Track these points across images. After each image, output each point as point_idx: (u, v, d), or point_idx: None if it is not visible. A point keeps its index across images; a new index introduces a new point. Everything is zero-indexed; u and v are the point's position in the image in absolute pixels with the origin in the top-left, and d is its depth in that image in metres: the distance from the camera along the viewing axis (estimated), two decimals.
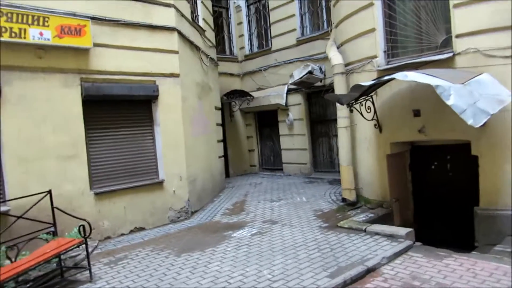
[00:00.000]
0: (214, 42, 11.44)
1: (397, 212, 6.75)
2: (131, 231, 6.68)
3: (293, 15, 11.79)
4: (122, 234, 6.56)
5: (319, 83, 10.64)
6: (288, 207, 7.62)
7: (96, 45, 6.36)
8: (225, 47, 14.05)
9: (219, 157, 10.51)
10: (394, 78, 5.53)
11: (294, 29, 11.78)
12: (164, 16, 7.34)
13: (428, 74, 5.18)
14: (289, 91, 11.76)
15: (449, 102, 4.69)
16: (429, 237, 6.41)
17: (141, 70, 6.97)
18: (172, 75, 7.40)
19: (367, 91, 6.43)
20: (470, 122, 4.60)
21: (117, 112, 6.82)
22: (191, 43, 8.60)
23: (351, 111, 6.63)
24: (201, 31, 9.78)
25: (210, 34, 10.90)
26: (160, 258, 5.21)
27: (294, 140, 11.93)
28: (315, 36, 11.22)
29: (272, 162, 13.20)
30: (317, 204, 7.68)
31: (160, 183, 7.13)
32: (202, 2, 10.15)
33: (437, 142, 6.56)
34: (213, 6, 12.89)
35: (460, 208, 6.45)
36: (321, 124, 11.44)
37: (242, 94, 12.56)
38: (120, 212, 6.59)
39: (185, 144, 7.56)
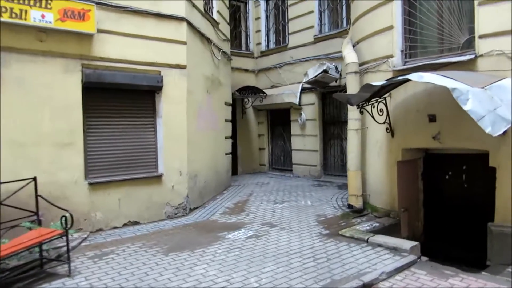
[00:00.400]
0: (229, 36, 11.16)
1: (405, 222, 6.32)
2: (125, 225, 6.46)
3: (312, 11, 11.40)
4: (115, 227, 6.35)
5: (334, 83, 10.23)
6: (291, 210, 7.28)
7: (100, 31, 6.15)
8: (241, 42, 13.77)
9: (227, 154, 10.24)
10: (408, 79, 5.11)
11: (312, 26, 11.39)
12: (173, 5, 7.09)
13: (445, 76, 4.75)
14: (303, 90, 11.39)
15: (466, 107, 4.26)
16: (438, 251, 5.99)
17: (146, 59, 6.74)
18: (178, 66, 7.14)
19: (379, 93, 6.03)
20: (488, 130, 4.16)
21: (119, 101, 6.61)
22: (202, 35, 8.34)
23: (361, 112, 6.24)
24: (214, 24, 9.51)
25: (225, 28, 10.62)
26: (147, 255, 4.96)
27: (305, 141, 11.55)
28: (333, 34, 10.81)
29: (282, 162, 12.85)
30: (321, 209, 7.31)
31: (159, 177, 6.90)
32: None
33: (453, 151, 6.10)
34: None
35: (474, 222, 5.96)
36: (334, 125, 11.03)
37: (255, 90, 12.26)
38: (114, 204, 6.38)
39: (188, 139, 7.30)
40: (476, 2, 5.38)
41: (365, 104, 6.10)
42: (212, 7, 9.75)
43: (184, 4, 7.23)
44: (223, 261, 4.66)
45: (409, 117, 6.17)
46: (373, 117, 6.20)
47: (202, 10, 8.50)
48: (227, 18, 11.06)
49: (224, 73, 10.27)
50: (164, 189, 6.95)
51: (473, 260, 5.57)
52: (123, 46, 6.48)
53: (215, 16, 9.72)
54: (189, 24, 7.47)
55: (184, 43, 7.24)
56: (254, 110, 13.18)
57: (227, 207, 7.77)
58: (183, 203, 7.17)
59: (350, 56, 7.19)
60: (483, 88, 4.51)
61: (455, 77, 4.70)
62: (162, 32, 6.94)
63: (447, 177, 6.50)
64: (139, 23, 6.66)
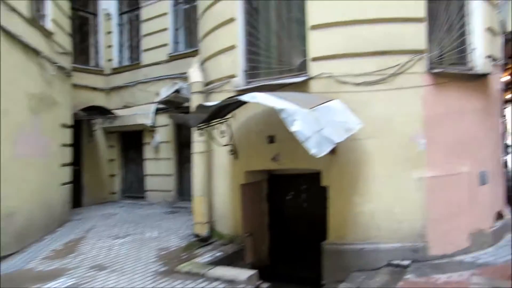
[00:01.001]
0: (70, 49, 9.86)
1: (250, 248, 6.07)
2: None
3: (166, 28, 10.89)
4: None
5: (187, 104, 9.79)
6: (132, 246, 6.42)
7: None
8: (90, 58, 12.44)
9: (64, 184, 8.82)
10: (239, 100, 4.86)
11: (166, 44, 10.87)
12: None
13: (278, 97, 4.65)
14: (158, 111, 10.68)
15: (293, 128, 4.17)
16: (283, 274, 5.90)
17: None
18: None
19: (221, 113, 5.75)
20: (313, 151, 4.12)
21: None
22: (25, 45, 7.04)
23: (202, 135, 5.85)
24: (47, 34, 8.23)
25: (64, 39, 9.34)
26: None
27: (159, 165, 10.79)
28: (188, 53, 10.41)
29: (135, 189, 11.75)
30: (166, 241, 6.63)
31: None
32: (53, 0, 8.64)
33: (294, 171, 6.13)
34: (78, 10, 11.38)
35: (315, 242, 6.03)
36: (189, 147, 10.52)
37: (102, 111, 11.06)
38: None
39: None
40: (308, 25, 5.53)
41: (206, 125, 5.73)
42: (45, 14, 8.46)
43: None
44: None
45: (251, 139, 6.01)
46: (215, 139, 5.86)
47: (27, 15, 7.22)
48: (68, 29, 9.76)
49: (60, 90, 8.93)
50: None
51: (315, 279, 5.56)
52: None
53: (49, 25, 8.44)
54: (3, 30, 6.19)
55: None
56: (104, 132, 11.89)
57: (54, 249, 6.49)
58: None
59: (194, 75, 6.83)
60: (310, 109, 4.50)
61: (288, 98, 4.63)
62: None
63: (289, 197, 6.51)
64: None
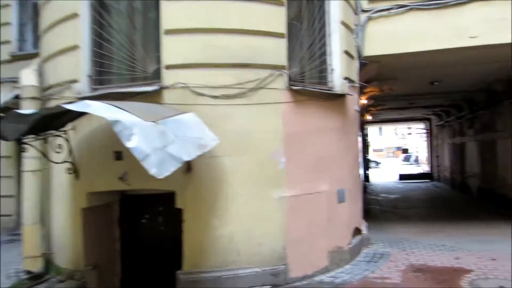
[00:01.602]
0: None
1: (94, 283, 5.11)
2: None
3: (9, 23, 9.21)
4: None
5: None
6: None
7: None
8: None
9: None
10: (64, 108, 3.96)
11: (9, 41, 9.19)
12: None
13: (120, 107, 3.93)
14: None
15: (130, 144, 3.49)
16: None
17: None
18: None
19: (54, 123, 4.76)
20: (153, 171, 3.50)
21: None
22: None
23: (23, 150, 4.77)
24: None
25: None
26: None
27: None
28: (37, 53, 8.92)
29: None
30: None
31: None
32: None
33: (149, 191, 5.40)
34: None
35: (174, 270, 5.36)
36: None
37: None
38: None
39: None
40: (162, 29, 4.95)
41: (33, 139, 4.67)
42: None
43: None
44: None
45: (95, 155, 5.13)
46: (45, 155, 4.84)
47: None
48: None
49: None
50: None
51: None
52: None
53: None
54: None
55: None
56: None
57: None
58: None
59: (27, 77, 5.67)
60: (155, 122, 3.88)
61: (131, 109, 3.94)
62: None
63: (144, 220, 5.75)
64: None
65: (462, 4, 6.36)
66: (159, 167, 3.52)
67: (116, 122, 3.51)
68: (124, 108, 3.92)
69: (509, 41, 6.22)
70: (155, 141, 3.65)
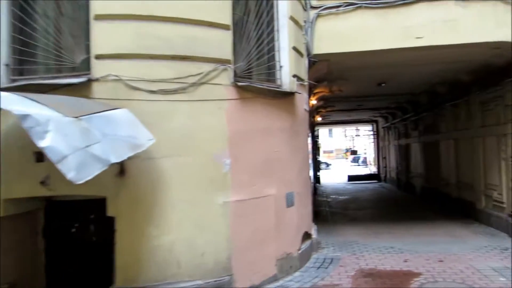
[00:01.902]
0: None
1: None
2: None
3: None
4: None
5: None
6: None
7: None
8: None
9: None
10: None
11: None
12: None
13: (34, 100, 3.37)
14: None
15: (43, 144, 2.97)
16: None
17: None
18: None
19: None
20: (70, 175, 3.01)
21: None
22: None
23: None
24: None
25: None
26: None
27: None
28: None
29: None
30: None
31: None
32: None
33: (78, 197, 4.81)
34: None
35: (108, 284, 4.81)
36: None
37: None
38: None
39: None
40: (92, 14, 4.40)
41: None
42: None
43: None
44: None
45: (13, 156, 4.46)
46: None
47: None
48: None
49: None
50: None
51: None
52: None
53: None
54: None
55: None
56: None
57: None
58: None
59: None
60: (76, 117, 3.36)
61: (50, 103, 3.40)
62: None
63: (73, 230, 5.13)
64: None
65: (409, 4, 6.35)
66: (78, 171, 3.02)
67: (25, 116, 2.97)
68: (41, 102, 3.38)
69: (454, 42, 6.29)
70: (75, 140, 3.15)
